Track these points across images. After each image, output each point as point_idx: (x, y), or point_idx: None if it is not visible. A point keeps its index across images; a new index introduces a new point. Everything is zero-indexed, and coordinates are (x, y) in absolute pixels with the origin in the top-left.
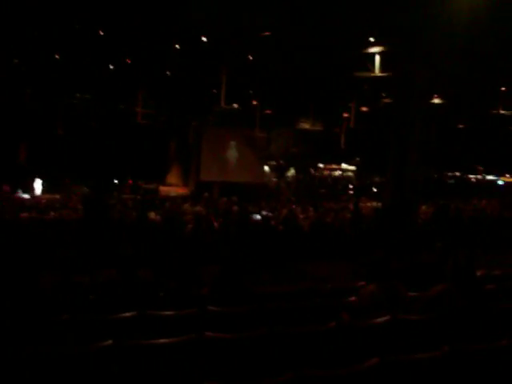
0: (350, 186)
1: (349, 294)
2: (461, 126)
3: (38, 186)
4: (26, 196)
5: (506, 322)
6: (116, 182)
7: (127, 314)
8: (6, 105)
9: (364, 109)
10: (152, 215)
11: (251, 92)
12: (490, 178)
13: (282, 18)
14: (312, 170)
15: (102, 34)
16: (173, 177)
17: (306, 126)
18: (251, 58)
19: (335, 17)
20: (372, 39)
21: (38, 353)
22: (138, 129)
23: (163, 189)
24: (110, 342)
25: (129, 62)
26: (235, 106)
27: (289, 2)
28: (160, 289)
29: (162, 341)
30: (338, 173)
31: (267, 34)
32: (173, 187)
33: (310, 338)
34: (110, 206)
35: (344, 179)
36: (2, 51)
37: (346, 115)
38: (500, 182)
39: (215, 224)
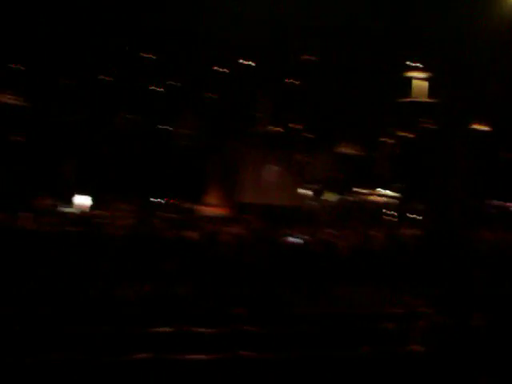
0: (389, 212)
1: (386, 319)
2: (506, 155)
3: (81, 201)
4: (70, 210)
5: None
6: (156, 199)
7: (165, 329)
8: (54, 123)
9: (404, 134)
10: (189, 234)
11: (292, 115)
12: None
13: (326, 43)
14: (350, 195)
15: (151, 57)
16: (212, 197)
17: (345, 150)
18: (294, 81)
19: (378, 41)
20: (414, 64)
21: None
22: (179, 148)
23: (202, 208)
24: (148, 354)
25: (173, 83)
26: (276, 128)
27: (332, 27)
28: (198, 306)
29: (197, 357)
30: (376, 198)
31: (311, 58)
32: (211, 207)
33: (344, 362)
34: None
35: (383, 205)
36: (50, 72)
37: (386, 140)
38: None
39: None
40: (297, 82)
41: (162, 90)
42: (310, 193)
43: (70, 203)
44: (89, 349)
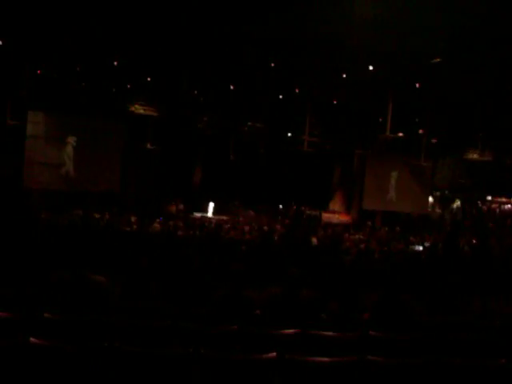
0: None
1: None
2: None
3: (209, 207)
4: (198, 215)
5: None
6: (281, 206)
7: (290, 331)
8: (184, 132)
9: None
10: (313, 240)
11: (417, 120)
12: None
13: (453, 44)
14: (479, 203)
15: (272, 65)
16: (336, 204)
17: (474, 156)
18: (418, 85)
19: (508, 42)
20: None
21: (212, 359)
22: (304, 156)
23: (326, 215)
24: (274, 354)
25: (297, 91)
26: (400, 134)
27: (461, 28)
28: (322, 310)
29: (323, 359)
30: (508, 206)
31: (437, 60)
32: (335, 214)
33: (474, 371)
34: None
35: None
36: (184, 84)
37: None
38: None
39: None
40: (419, 85)
41: (285, 97)
42: (436, 200)
43: (199, 209)
44: (215, 347)
